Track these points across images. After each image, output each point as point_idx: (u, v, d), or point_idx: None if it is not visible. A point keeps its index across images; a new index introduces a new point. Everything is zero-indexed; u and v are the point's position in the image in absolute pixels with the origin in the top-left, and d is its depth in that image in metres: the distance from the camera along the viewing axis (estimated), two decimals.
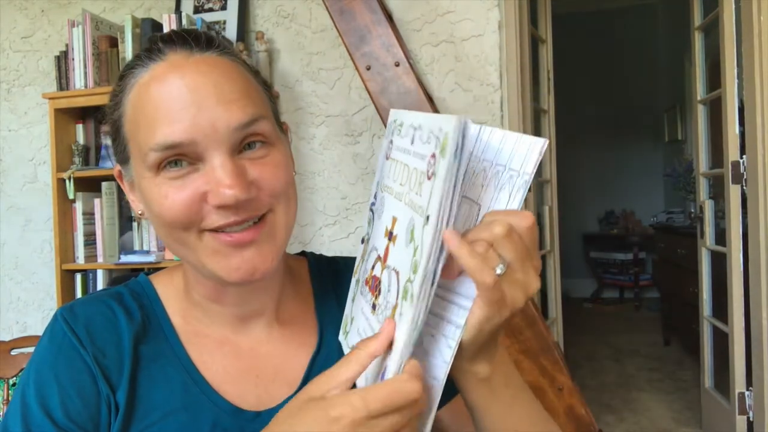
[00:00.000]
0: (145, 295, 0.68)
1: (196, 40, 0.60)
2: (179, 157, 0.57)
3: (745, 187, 2.38)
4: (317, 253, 0.80)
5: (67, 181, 2.27)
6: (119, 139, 0.62)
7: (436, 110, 1.96)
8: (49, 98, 2.32)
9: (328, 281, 0.75)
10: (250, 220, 0.58)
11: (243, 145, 0.58)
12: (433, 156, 0.46)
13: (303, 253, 0.79)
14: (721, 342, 2.66)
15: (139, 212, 0.65)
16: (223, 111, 0.56)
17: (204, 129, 0.56)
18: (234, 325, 0.67)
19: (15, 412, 0.61)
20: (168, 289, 0.69)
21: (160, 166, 0.57)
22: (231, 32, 2.39)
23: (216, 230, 0.58)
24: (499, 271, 0.47)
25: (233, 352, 0.66)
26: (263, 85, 0.64)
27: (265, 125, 0.59)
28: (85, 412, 0.60)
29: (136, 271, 2.35)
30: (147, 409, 0.62)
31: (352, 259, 0.80)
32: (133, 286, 0.69)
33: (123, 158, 0.63)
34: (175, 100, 0.56)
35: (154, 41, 0.61)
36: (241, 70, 0.61)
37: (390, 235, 0.53)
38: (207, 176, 0.56)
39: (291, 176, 0.62)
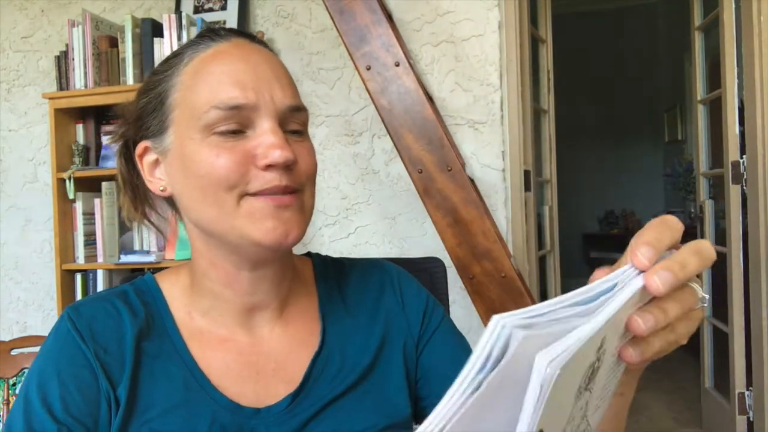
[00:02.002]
0: (150, 293, 0.69)
1: (252, 37, 0.68)
2: (233, 124, 0.61)
3: (745, 187, 2.38)
4: (321, 254, 0.80)
5: (67, 181, 2.27)
6: (161, 110, 0.65)
7: (436, 110, 1.97)
8: (49, 98, 2.33)
9: (332, 282, 0.76)
10: (289, 190, 0.62)
11: (286, 125, 0.64)
12: None
13: (308, 254, 0.80)
14: (721, 342, 2.66)
15: (161, 189, 0.67)
16: (279, 88, 0.63)
17: (264, 97, 0.62)
18: (239, 318, 0.68)
19: (18, 406, 0.62)
20: (174, 287, 0.70)
21: (212, 128, 0.61)
22: None
23: (257, 194, 0.61)
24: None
25: (235, 349, 0.67)
26: None
27: (306, 117, 0.66)
28: (84, 408, 0.61)
29: (136, 271, 2.35)
30: (147, 405, 0.63)
31: (357, 260, 0.80)
32: (138, 284, 0.71)
33: (159, 129, 0.66)
34: (241, 71, 0.62)
35: (213, 29, 0.67)
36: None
37: None
38: (257, 140, 0.61)
39: (317, 167, 0.67)
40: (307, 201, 0.65)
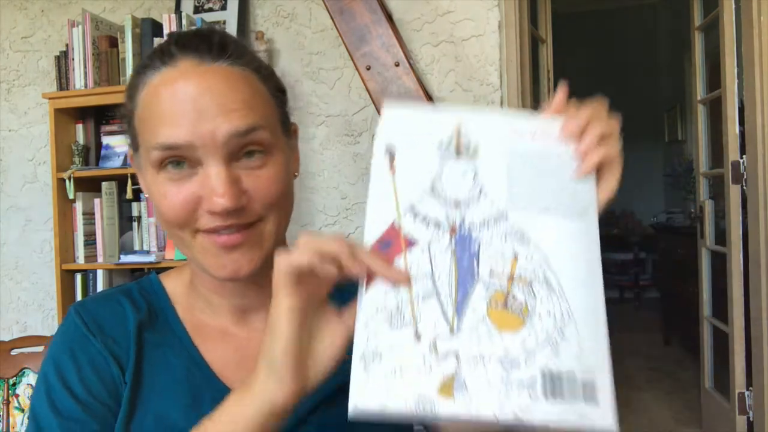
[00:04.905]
0: (153, 292, 0.72)
1: (209, 48, 0.62)
2: (179, 159, 0.60)
3: (745, 187, 2.38)
4: None
5: (67, 181, 2.27)
6: (131, 129, 0.66)
7: None
8: (49, 98, 2.32)
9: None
10: (238, 226, 0.61)
11: (242, 152, 0.61)
12: None
13: None
14: (721, 342, 2.66)
15: (147, 195, 0.68)
16: (222, 120, 0.59)
17: (203, 136, 0.59)
18: (235, 317, 0.70)
19: (40, 394, 0.65)
20: (177, 285, 0.73)
21: (161, 165, 0.61)
22: (231, 32, 2.39)
23: (208, 231, 0.62)
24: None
25: (235, 342, 0.70)
26: (274, 91, 0.67)
27: (264, 134, 0.62)
28: (103, 390, 0.64)
29: (135, 271, 2.35)
30: (151, 392, 0.65)
31: None
32: (142, 283, 0.73)
33: (134, 145, 0.67)
34: (180, 106, 0.60)
35: (169, 43, 0.64)
36: (250, 79, 0.63)
37: None
38: (203, 181, 0.60)
39: (286, 186, 0.65)
40: (270, 228, 0.63)
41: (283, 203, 0.64)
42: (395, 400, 0.46)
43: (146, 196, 0.67)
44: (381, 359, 0.47)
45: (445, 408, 0.46)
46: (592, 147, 0.53)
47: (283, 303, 0.50)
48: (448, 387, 0.46)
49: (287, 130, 0.69)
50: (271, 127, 0.64)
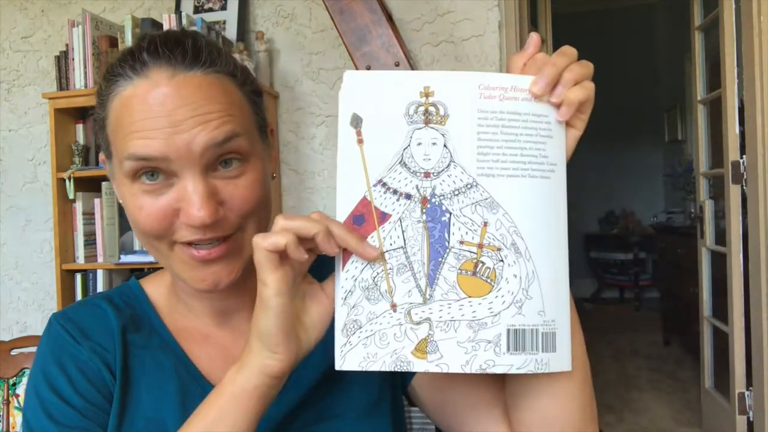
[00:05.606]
0: (134, 296, 0.72)
1: (182, 56, 0.59)
2: (154, 170, 0.59)
3: (745, 187, 2.38)
4: None
5: (67, 181, 2.27)
6: (103, 136, 0.64)
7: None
8: (49, 98, 2.32)
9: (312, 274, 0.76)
10: (217, 239, 0.61)
11: (219, 162, 0.60)
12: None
13: None
14: (721, 342, 2.66)
15: (121, 202, 0.67)
16: (199, 131, 0.57)
17: (179, 149, 0.57)
18: (216, 319, 0.70)
19: (33, 406, 0.64)
20: (158, 289, 0.72)
21: (135, 175, 0.60)
22: (231, 32, 2.39)
23: (185, 243, 0.61)
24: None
25: (218, 344, 0.70)
26: (250, 95, 0.65)
27: (242, 142, 0.60)
28: (98, 395, 0.64)
29: (135, 271, 2.35)
30: (140, 394, 0.65)
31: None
32: (122, 288, 0.73)
33: (107, 153, 0.65)
34: (153, 119, 0.57)
35: (140, 50, 0.60)
36: (226, 86, 0.61)
37: None
38: (179, 194, 0.59)
39: (265, 192, 0.64)
40: (249, 236, 0.60)
41: (261, 210, 0.63)
42: (374, 361, 0.52)
43: (120, 201, 0.67)
44: (361, 328, 0.52)
45: (419, 366, 0.51)
46: (569, 93, 0.54)
47: (269, 280, 0.51)
48: (422, 348, 0.52)
49: (264, 133, 0.67)
50: (249, 134, 0.62)
